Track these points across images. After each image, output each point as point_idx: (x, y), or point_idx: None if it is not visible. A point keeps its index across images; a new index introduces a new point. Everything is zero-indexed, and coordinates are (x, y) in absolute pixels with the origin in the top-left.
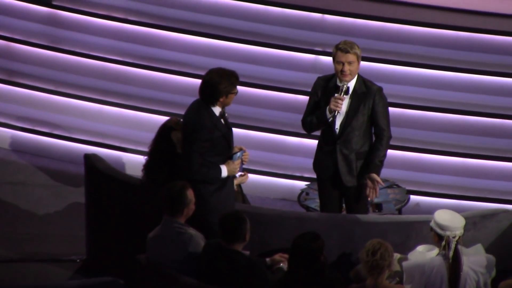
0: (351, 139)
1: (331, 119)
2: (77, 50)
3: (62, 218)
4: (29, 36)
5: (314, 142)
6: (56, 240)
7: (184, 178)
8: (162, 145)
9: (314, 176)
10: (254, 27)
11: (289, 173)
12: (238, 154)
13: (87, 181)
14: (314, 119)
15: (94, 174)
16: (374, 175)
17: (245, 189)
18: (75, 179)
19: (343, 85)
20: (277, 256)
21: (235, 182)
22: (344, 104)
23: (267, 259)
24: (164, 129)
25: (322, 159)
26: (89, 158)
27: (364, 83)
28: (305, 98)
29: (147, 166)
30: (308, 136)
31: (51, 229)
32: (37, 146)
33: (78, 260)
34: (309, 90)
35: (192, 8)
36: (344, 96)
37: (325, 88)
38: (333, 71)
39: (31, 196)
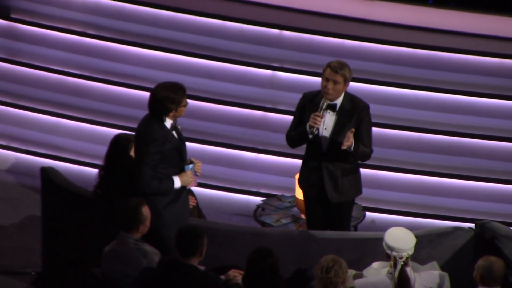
0: (337, 155)
1: (311, 136)
2: (35, 63)
3: (17, 230)
4: None
5: (271, 158)
6: (11, 252)
7: (138, 192)
8: (116, 159)
9: (270, 191)
10: (212, 42)
11: (245, 188)
12: (190, 166)
13: (43, 194)
14: (295, 134)
15: (51, 187)
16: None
17: (200, 204)
18: (31, 192)
19: (323, 103)
20: (231, 272)
21: None
22: (331, 121)
23: (222, 276)
24: (118, 142)
25: (307, 175)
26: (46, 171)
27: (351, 100)
28: (262, 114)
29: (100, 180)
30: (265, 152)
31: (7, 241)
32: None
33: (33, 273)
34: (266, 105)
35: (151, 23)
36: (324, 113)
37: (311, 103)
38: (288, 87)
39: None
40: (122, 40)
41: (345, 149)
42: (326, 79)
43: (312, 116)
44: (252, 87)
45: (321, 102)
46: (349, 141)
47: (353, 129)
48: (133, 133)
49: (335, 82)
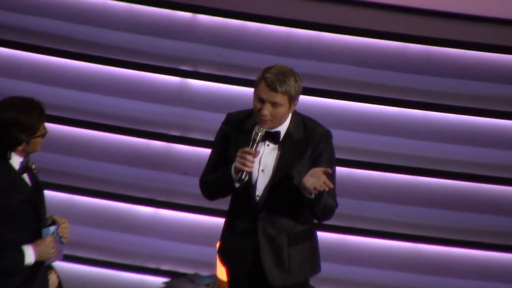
0: (280, 212)
1: (237, 185)
2: None
3: None
4: None
5: (178, 215)
6: None
7: None
8: None
9: (178, 268)
10: (84, 32)
11: (138, 263)
12: (52, 228)
13: None
14: (215, 180)
15: None
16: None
17: (67, 286)
18: None
19: (256, 132)
20: None
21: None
22: (271, 158)
23: None
24: None
25: (233, 244)
26: None
27: (303, 124)
28: (165, 145)
29: None
30: (168, 205)
31: None
32: None
33: None
34: (171, 133)
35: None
36: (260, 148)
37: (238, 131)
38: (204, 103)
39: None
40: None
41: (293, 201)
42: (260, 100)
43: (239, 153)
44: (150, 103)
45: (254, 130)
46: (321, 181)
47: (329, 170)
48: None
49: (274, 105)
